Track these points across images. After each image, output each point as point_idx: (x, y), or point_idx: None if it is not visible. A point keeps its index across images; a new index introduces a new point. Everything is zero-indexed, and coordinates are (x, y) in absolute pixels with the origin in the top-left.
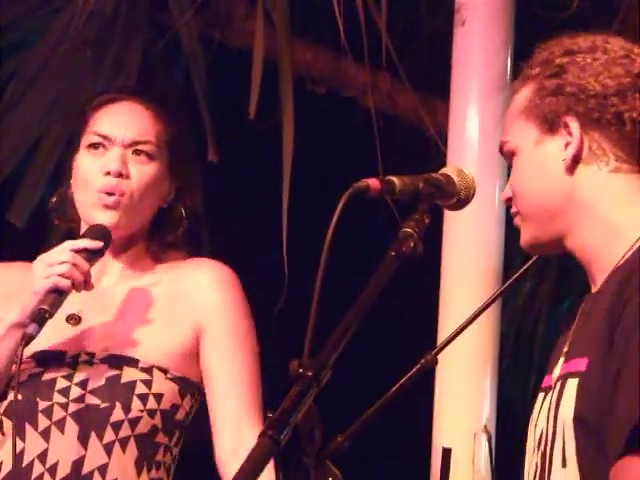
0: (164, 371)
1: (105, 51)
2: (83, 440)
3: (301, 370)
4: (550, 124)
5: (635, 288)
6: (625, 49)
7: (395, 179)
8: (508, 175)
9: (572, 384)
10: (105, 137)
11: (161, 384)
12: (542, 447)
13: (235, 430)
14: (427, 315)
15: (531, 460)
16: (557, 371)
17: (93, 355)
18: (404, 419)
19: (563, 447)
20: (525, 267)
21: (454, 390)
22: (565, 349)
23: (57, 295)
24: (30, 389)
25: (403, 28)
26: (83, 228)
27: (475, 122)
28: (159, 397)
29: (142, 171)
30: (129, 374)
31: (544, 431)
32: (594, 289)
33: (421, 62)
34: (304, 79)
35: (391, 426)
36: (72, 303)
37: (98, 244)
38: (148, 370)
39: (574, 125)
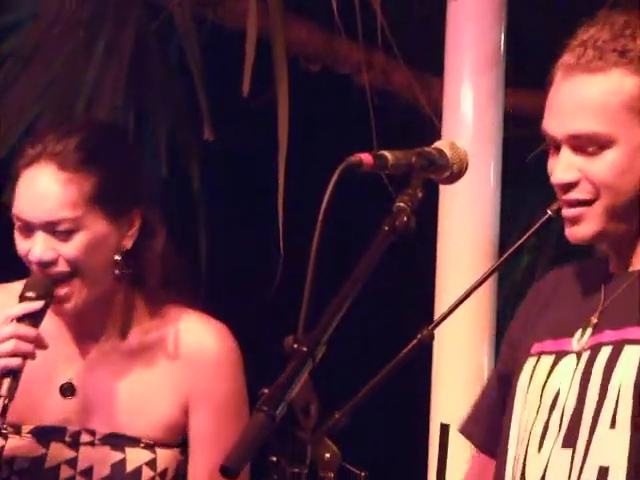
0: (166, 445)
1: (98, 32)
2: None
3: (296, 345)
4: None
5: None
6: None
7: (388, 154)
8: (504, 151)
9: (633, 350)
10: (24, 222)
11: (165, 459)
12: (574, 410)
13: None
14: (424, 289)
15: (534, 419)
16: (584, 338)
17: (94, 433)
18: (402, 395)
19: (615, 410)
20: (521, 241)
21: (451, 365)
22: (594, 320)
23: (11, 377)
24: (34, 478)
25: (397, 5)
26: None
27: (469, 98)
28: (164, 474)
29: (69, 248)
30: (133, 458)
31: (567, 393)
32: (632, 268)
33: (415, 39)
34: (298, 57)
35: (389, 402)
36: (64, 371)
37: (37, 305)
38: (151, 447)
39: None
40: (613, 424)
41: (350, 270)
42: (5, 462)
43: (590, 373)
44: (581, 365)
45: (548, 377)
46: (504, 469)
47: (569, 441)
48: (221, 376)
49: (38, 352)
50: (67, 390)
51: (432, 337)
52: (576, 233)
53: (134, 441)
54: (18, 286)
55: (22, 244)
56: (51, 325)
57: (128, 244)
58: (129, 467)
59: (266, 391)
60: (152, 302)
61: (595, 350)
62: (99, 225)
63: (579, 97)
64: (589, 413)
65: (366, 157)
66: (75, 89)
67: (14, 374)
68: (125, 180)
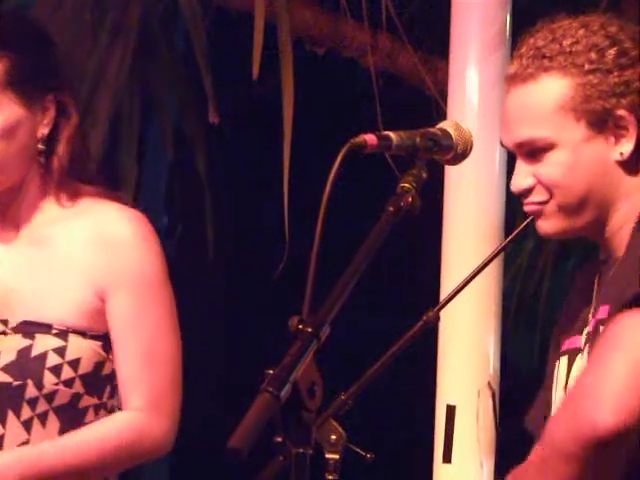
0: (81, 333)
1: (104, 15)
2: (1, 419)
3: (301, 326)
4: (602, 121)
5: None
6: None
7: (392, 134)
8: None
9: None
10: None
11: (78, 348)
12: None
13: (123, 401)
14: (430, 271)
15: None
16: (585, 333)
17: (6, 323)
18: (408, 376)
19: None
20: (524, 224)
21: (457, 347)
22: (590, 316)
23: None
24: None
25: None
26: None
27: (475, 80)
28: (75, 363)
29: None
30: (41, 344)
31: None
32: (614, 255)
33: (421, 21)
34: (303, 40)
35: (395, 383)
36: None
37: None
38: (62, 335)
39: (631, 121)
40: None
41: (355, 251)
42: None
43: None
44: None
45: (567, 377)
46: None
47: None
48: (136, 257)
49: None
50: None
51: (438, 319)
52: (540, 228)
53: (45, 327)
54: None
55: None
56: None
57: (44, 131)
58: (34, 352)
59: (271, 372)
60: (63, 191)
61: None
62: (13, 109)
63: (517, 107)
64: None
65: (370, 138)
66: (80, 73)
67: None
68: (37, 65)
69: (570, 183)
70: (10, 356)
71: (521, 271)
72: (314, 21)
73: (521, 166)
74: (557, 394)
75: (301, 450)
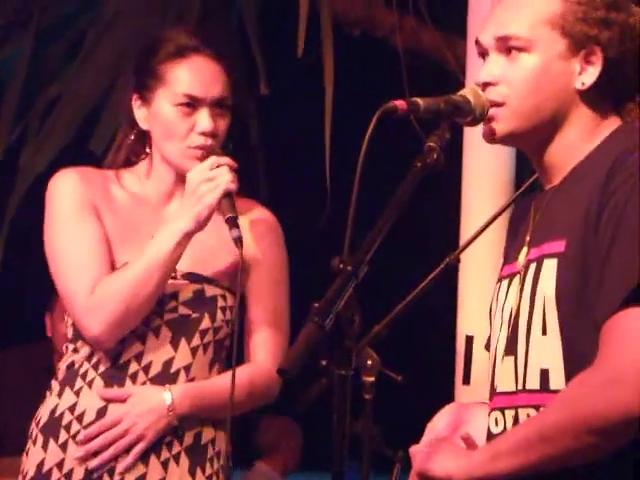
0: (230, 291)
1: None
2: (174, 344)
3: (342, 265)
4: (579, 47)
5: (620, 180)
6: None
7: (419, 100)
8: None
9: (550, 264)
10: (193, 98)
11: (231, 299)
12: (513, 322)
13: (252, 349)
14: (451, 221)
15: (498, 336)
16: (522, 258)
17: (176, 271)
18: (433, 311)
19: (543, 319)
20: (531, 180)
21: (475, 285)
22: (527, 238)
23: (229, 198)
24: None
25: None
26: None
27: None
28: (231, 309)
29: (224, 124)
30: (210, 290)
31: (514, 309)
32: (549, 186)
33: (441, 3)
34: (341, 22)
35: (422, 316)
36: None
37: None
38: (222, 288)
39: (600, 57)
40: (544, 331)
41: (387, 200)
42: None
43: (522, 289)
44: (520, 283)
45: (505, 298)
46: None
47: (510, 349)
48: (275, 245)
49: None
50: None
51: (458, 260)
52: (486, 133)
53: (209, 280)
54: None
55: (180, 121)
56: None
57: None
58: (207, 294)
59: (317, 305)
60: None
61: (526, 268)
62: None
63: (511, 6)
64: (523, 323)
65: (400, 103)
66: None
67: (230, 196)
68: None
69: (527, 88)
70: (188, 294)
71: None
72: (350, 6)
73: (495, 59)
74: (497, 314)
75: (343, 372)
